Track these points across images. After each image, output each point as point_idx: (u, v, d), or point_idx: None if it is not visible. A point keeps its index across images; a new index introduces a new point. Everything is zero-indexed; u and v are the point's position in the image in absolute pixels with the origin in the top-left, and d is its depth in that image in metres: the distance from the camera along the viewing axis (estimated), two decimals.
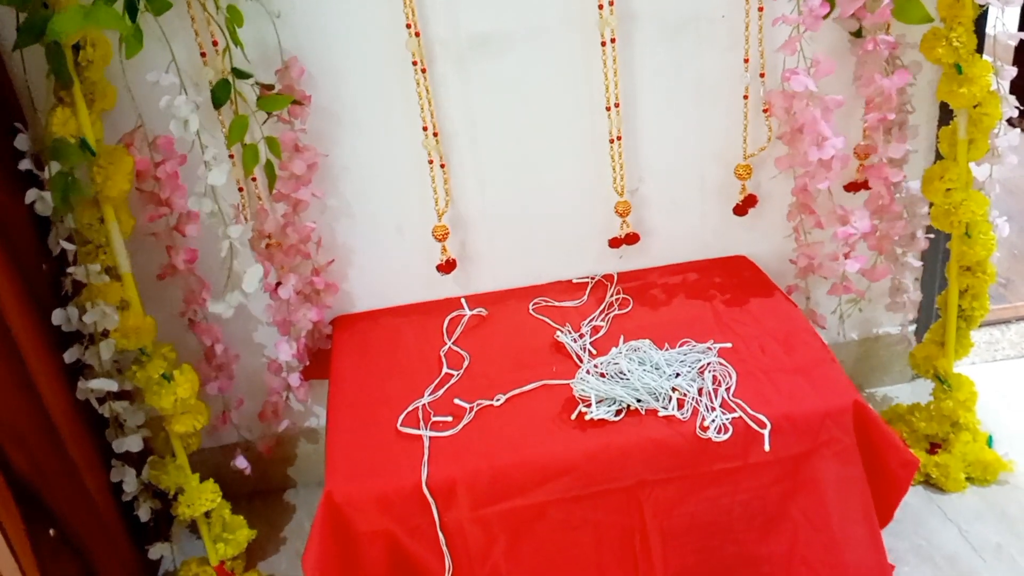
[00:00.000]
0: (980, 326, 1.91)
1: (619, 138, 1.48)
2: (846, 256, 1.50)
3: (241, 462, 1.58)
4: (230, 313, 1.40)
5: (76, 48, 1.24)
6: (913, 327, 1.78)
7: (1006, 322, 1.98)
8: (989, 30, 1.48)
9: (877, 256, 1.57)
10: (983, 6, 1.33)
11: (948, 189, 1.44)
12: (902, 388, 1.83)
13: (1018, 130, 1.45)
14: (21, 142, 1.29)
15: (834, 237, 1.48)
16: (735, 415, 1.24)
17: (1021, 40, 1.49)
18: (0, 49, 1.32)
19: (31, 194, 1.27)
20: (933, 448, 1.59)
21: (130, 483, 1.45)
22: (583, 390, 1.28)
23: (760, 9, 1.42)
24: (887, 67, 1.41)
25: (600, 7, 1.38)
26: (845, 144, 1.41)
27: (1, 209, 1.25)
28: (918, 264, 1.60)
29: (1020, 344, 1.93)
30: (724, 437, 1.22)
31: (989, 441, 1.60)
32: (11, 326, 1.23)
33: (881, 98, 1.40)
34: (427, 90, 1.42)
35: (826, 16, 1.36)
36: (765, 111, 1.50)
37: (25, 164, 1.29)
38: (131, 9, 1.22)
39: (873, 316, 1.77)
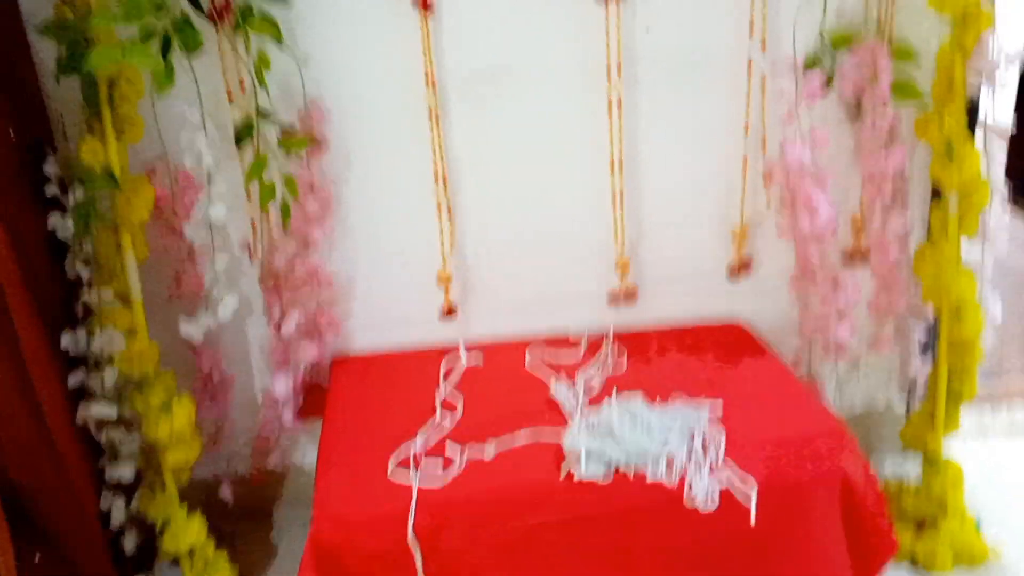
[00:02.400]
0: (972, 405, 1.94)
1: (622, 197, 1.54)
2: (840, 323, 1.53)
3: (226, 492, 1.59)
4: (200, 337, 1.43)
5: (110, 81, 1.31)
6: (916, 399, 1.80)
7: (997, 401, 2.00)
8: (982, 116, 1.55)
9: (880, 326, 1.60)
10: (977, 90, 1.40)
11: (938, 268, 1.48)
12: (907, 460, 1.84)
13: (1009, 212, 1.49)
14: (49, 167, 1.35)
15: (825, 303, 1.51)
16: (723, 482, 1.24)
17: (1018, 125, 1.56)
18: (38, 78, 1.38)
19: (54, 219, 1.33)
20: (921, 528, 1.59)
21: (118, 513, 1.45)
22: (573, 445, 1.29)
23: (763, 79, 1.49)
24: (889, 144, 1.47)
25: (608, 72, 1.45)
26: (836, 216, 1.46)
27: (22, 232, 1.29)
28: (924, 339, 1.63)
29: (1011, 424, 1.95)
30: (711, 507, 1.22)
31: (977, 525, 1.60)
32: (23, 349, 1.26)
33: (877, 174, 1.46)
34: (439, 139, 1.49)
35: (824, 92, 1.43)
36: (765, 179, 1.55)
37: (51, 189, 1.34)
38: (165, 47, 1.29)
39: (877, 387, 1.79)
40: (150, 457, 1.45)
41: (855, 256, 1.58)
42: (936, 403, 1.56)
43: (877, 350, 1.59)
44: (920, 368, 1.60)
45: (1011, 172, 2.79)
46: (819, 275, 1.50)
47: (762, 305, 1.67)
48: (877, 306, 1.55)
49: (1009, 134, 2.79)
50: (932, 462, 1.57)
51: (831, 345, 1.54)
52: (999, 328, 2.18)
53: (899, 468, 1.80)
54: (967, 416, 1.93)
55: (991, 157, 1.44)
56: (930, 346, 1.65)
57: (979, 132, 1.48)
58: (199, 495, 1.56)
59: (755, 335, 1.64)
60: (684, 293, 1.66)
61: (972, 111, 1.45)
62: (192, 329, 1.42)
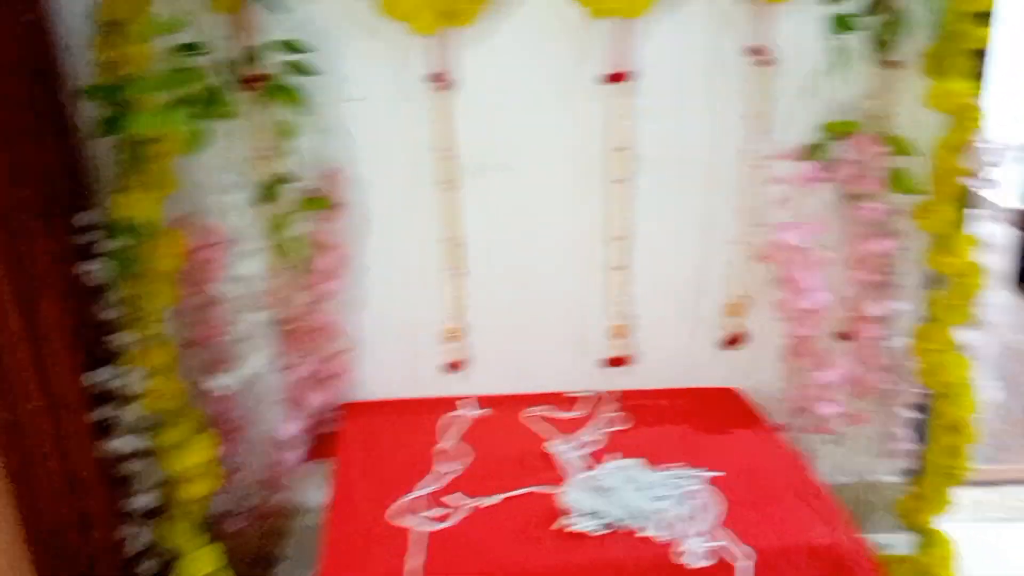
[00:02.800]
0: (970, 485, 1.96)
1: (620, 267, 1.61)
2: (823, 399, 1.58)
3: (233, 526, 1.66)
4: (233, 389, 1.51)
5: (147, 141, 1.41)
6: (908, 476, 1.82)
7: (995, 484, 2.01)
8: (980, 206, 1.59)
9: (859, 403, 1.64)
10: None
11: (933, 350, 1.52)
12: (893, 536, 1.86)
13: (1007, 295, 1.53)
14: (86, 218, 1.45)
15: (812, 380, 1.56)
16: (715, 544, 1.28)
17: None
18: (79, 135, 1.49)
19: (90, 265, 1.43)
20: None
21: (133, 541, 1.53)
22: (568, 501, 1.35)
23: (757, 166, 1.55)
24: (879, 231, 1.52)
25: (611, 150, 1.52)
26: (826, 297, 1.51)
27: (60, 278, 1.39)
28: (907, 415, 1.67)
29: (1007, 507, 1.96)
30: (705, 564, 1.25)
31: None
32: (54, 386, 1.36)
33: (867, 259, 1.51)
34: (450, 205, 1.57)
35: (821, 180, 1.48)
36: (762, 258, 1.60)
37: (88, 238, 1.44)
38: (198, 114, 1.39)
39: (868, 462, 1.82)
40: (170, 489, 1.54)
41: (845, 336, 1.62)
42: (928, 482, 1.59)
43: (854, 424, 1.62)
44: (904, 445, 1.64)
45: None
46: (808, 352, 1.54)
47: (754, 375, 1.72)
48: (857, 384, 1.59)
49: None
50: (924, 537, 1.60)
51: (814, 419, 1.58)
52: (1001, 410, 2.21)
53: (887, 539, 1.82)
54: (966, 496, 1.96)
55: (989, 246, 1.49)
56: (919, 425, 1.69)
57: (978, 221, 1.53)
58: (208, 529, 1.64)
59: (749, 402, 1.68)
60: (679, 360, 1.72)
61: (970, 200, 1.50)
62: (222, 384, 1.51)
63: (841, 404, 1.57)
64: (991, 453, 2.14)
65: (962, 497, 1.95)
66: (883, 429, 1.69)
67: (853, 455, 1.77)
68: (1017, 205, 3.07)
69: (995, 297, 2.87)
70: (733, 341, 1.66)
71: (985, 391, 1.56)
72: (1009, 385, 2.42)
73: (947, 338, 1.50)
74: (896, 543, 1.80)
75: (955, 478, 1.58)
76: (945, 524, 1.64)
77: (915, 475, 1.66)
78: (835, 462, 1.74)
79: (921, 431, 1.73)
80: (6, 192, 1.26)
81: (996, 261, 2.97)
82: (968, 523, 1.89)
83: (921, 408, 1.71)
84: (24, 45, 1.33)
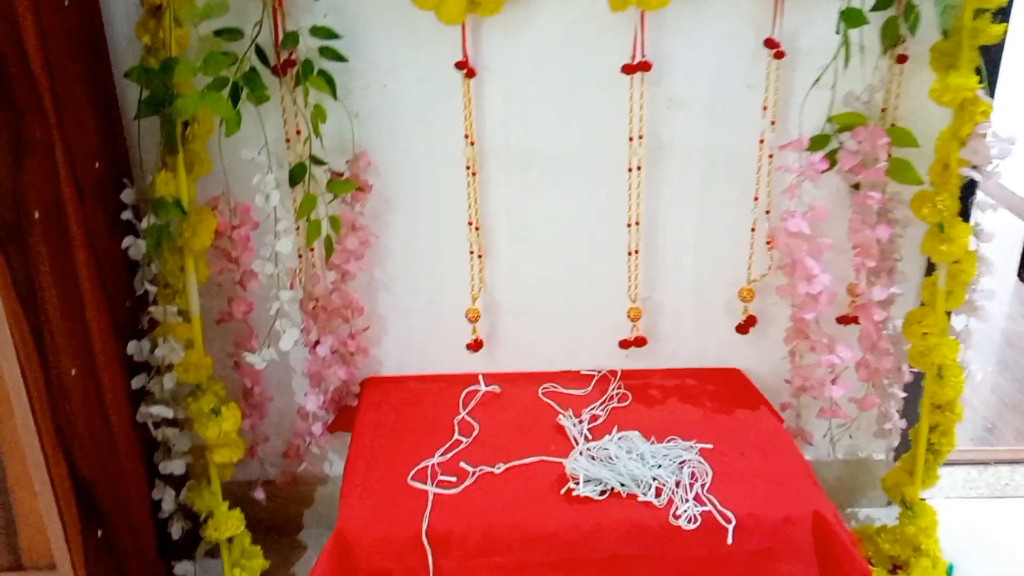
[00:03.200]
0: (960, 464, 2.05)
1: (637, 252, 1.68)
2: (833, 382, 1.66)
3: (259, 493, 1.75)
4: (263, 365, 1.59)
5: (184, 123, 1.48)
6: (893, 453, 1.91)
7: (984, 463, 2.10)
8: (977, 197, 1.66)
9: (868, 386, 1.72)
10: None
11: (925, 333, 1.60)
12: (887, 510, 1.95)
13: (996, 283, 1.61)
14: (127, 196, 1.52)
15: (819, 364, 1.64)
16: (705, 508, 1.39)
17: None
18: (121, 116, 1.56)
19: (128, 240, 1.50)
20: (895, 569, 1.71)
21: (168, 502, 1.62)
22: (573, 469, 1.45)
23: (771, 156, 1.62)
24: (878, 218, 1.60)
25: (631, 139, 1.59)
26: (832, 281, 1.59)
27: (101, 252, 1.46)
28: (902, 395, 1.75)
29: (995, 485, 2.05)
30: (692, 527, 1.37)
31: (949, 570, 1.71)
32: (96, 353, 1.44)
33: (866, 245, 1.58)
34: (475, 190, 1.64)
35: (827, 169, 1.56)
36: (768, 244, 1.68)
37: (127, 215, 1.51)
38: (235, 97, 1.46)
39: (860, 440, 1.91)
40: (199, 455, 1.62)
41: (848, 320, 1.70)
42: (916, 457, 1.68)
43: (864, 409, 1.71)
44: (896, 424, 1.72)
45: None
46: (814, 336, 1.62)
47: (763, 357, 1.79)
48: (864, 368, 1.67)
49: None
50: (909, 507, 1.69)
51: (826, 403, 1.66)
52: (1000, 393, 2.30)
53: (881, 514, 1.92)
54: (955, 475, 2.06)
55: (980, 235, 1.57)
56: (909, 405, 1.77)
57: (974, 211, 1.60)
58: (235, 498, 1.72)
59: (751, 382, 1.77)
60: (692, 342, 1.79)
61: (968, 190, 1.57)
62: (256, 359, 1.59)
63: (849, 387, 1.65)
64: (983, 434, 2.23)
65: (953, 476, 2.06)
66: (879, 409, 1.77)
67: (850, 433, 1.86)
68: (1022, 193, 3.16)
69: (1001, 286, 2.97)
70: (746, 325, 1.74)
71: (976, 373, 1.65)
72: (1008, 371, 2.51)
73: (940, 322, 1.58)
74: (887, 518, 1.90)
75: (940, 454, 1.66)
76: (934, 501, 1.73)
77: (902, 452, 1.74)
78: (832, 440, 1.82)
79: (909, 410, 1.82)
80: (56, 163, 1.33)
81: (1002, 251, 3.07)
82: (954, 499, 1.99)
83: (908, 389, 1.80)
84: (74, 24, 1.39)
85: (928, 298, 1.62)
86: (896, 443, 1.87)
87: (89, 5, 1.46)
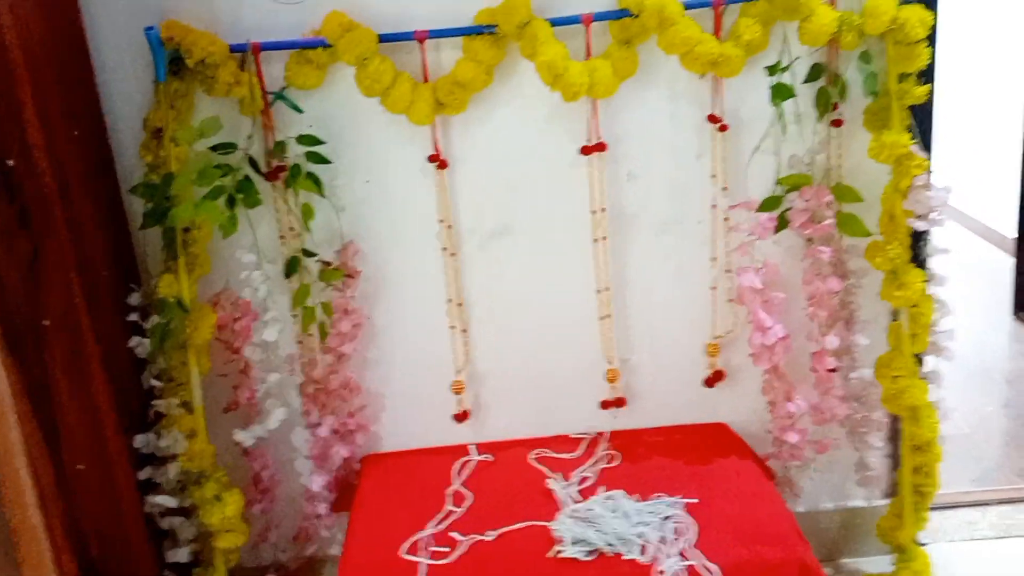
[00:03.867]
0: (961, 507, 2.07)
1: (609, 316, 1.78)
2: (790, 428, 1.72)
3: None
4: (251, 442, 1.69)
5: (186, 229, 1.62)
6: (886, 501, 1.94)
7: (986, 504, 2.11)
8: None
9: (824, 430, 1.77)
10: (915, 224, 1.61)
11: (895, 377, 1.66)
12: (882, 560, 1.96)
13: (953, 322, 1.68)
14: (134, 299, 1.65)
15: (776, 410, 1.70)
16: (690, 563, 1.44)
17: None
18: (129, 226, 1.71)
19: (134, 340, 1.62)
20: None
21: None
22: (560, 531, 1.51)
23: (726, 219, 1.73)
24: (831, 270, 1.69)
25: (593, 212, 1.71)
26: (786, 334, 1.66)
27: (112, 351, 1.59)
28: (879, 444, 1.80)
29: (998, 525, 2.05)
30: None
31: None
32: (107, 449, 1.54)
33: (819, 296, 1.67)
34: (454, 269, 1.76)
35: (778, 229, 1.66)
36: (733, 300, 1.77)
37: (133, 316, 1.64)
38: (230, 203, 1.60)
39: (846, 488, 1.94)
40: (204, 542, 1.70)
41: (812, 369, 1.77)
42: (904, 501, 1.71)
43: (821, 452, 1.76)
44: (879, 471, 1.76)
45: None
46: (778, 385, 1.69)
47: (743, 409, 1.86)
48: (819, 412, 1.73)
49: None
50: (902, 553, 1.71)
51: (785, 448, 1.72)
52: (1002, 432, 2.33)
53: (873, 561, 1.93)
54: (954, 517, 2.07)
55: (935, 280, 1.65)
56: (890, 448, 1.82)
57: (929, 257, 1.69)
58: None
59: (738, 436, 1.83)
60: (671, 399, 1.87)
61: (917, 238, 1.66)
62: (245, 436, 1.68)
63: (805, 432, 1.71)
64: (986, 473, 2.24)
65: (957, 518, 2.07)
66: (858, 456, 1.82)
67: (837, 482, 1.90)
68: (1011, 234, 3.23)
69: (998, 325, 3.01)
70: (714, 379, 1.81)
71: (951, 412, 1.71)
72: (1009, 408, 2.54)
73: (907, 365, 1.64)
74: (883, 566, 1.92)
75: (926, 496, 1.70)
76: (937, 545, 1.75)
77: (892, 497, 1.78)
78: (820, 489, 1.87)
79: (896, 455, 1.86)
80: (69, 273, 1.47)
81: (996, 289, 3.12)
82: (958, 542, 2.00)
83: (894, 433, 1.85)
84: (85, 150, 1.56)
85: (894, 342, 1.69)
86: (880, 490, 1.91)
87: (98, 132, 1.63)
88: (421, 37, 1.59)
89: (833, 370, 1.69)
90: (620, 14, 1.59)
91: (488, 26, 1.57)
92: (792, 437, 1.69)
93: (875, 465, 1.79)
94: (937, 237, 1.65)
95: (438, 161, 1.68)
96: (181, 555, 1.68)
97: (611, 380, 1.81)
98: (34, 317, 1.35)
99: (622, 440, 1.83)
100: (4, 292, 1.26)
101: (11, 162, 1.33)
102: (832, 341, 1.67)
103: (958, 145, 3.90)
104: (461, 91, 1.60)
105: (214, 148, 1.60)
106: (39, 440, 1.34)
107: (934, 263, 1.65)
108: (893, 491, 1.92)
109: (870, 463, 1.78)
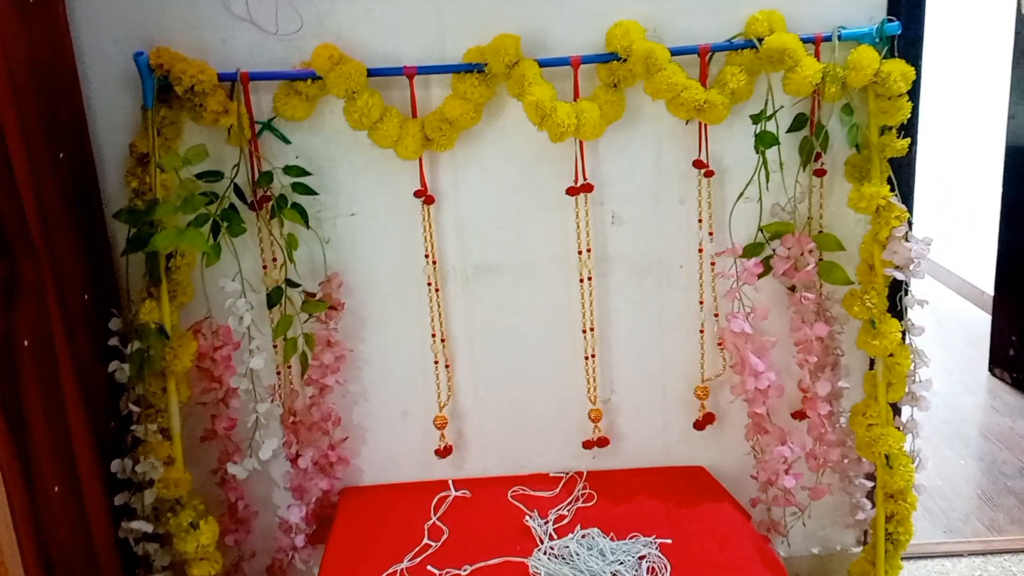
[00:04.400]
0: (934, 557, 2.08)
1: (593, 356, 1.79)
2: (786, 472, 1.72)
3: None
4: (245, 475, 1.68)
5: (169, 255, 1.62)
6: (858, 548, 1.95)
7: (958, 555, 2.12)
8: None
9: (818, 476, 1.79)
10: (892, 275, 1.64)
11: (870, 424, 1.68)
12: None
13: (931, 374, 1.70)
14: (114, 324, 1.65)
15: (771, 455, 1.71)
16: None
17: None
18: (112, 251, 1.71)
19: (113, 365, 1.61)
20: None
21: None
22: (535, 568, 1.51)
23: (712, 264, 1.75)
24: (815, 317, 1.71)
25: (579, 252, 1.73)
26: (778, 376, 1.68)
27: (89, 377, 1.58)
28: (870, 484, 1.80)
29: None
30: None
31: None
32: (80, 472, 1.53)
33: (806, 343, 1.68)
34: (438, 304, 1.76)
35: (762, 275, 1.68)
36: (720, 345, 1.79)
37: (113, 341, 1.64)
38: (215, 231, 1.61)
39: (833, 532, 1.95)
40: (180, 571, 1.68)
41: (801, 416, 1.78)
42: (876, 548, 1.72)
43: (815, 498, 1.76)
44: (868, 514, 1.77)
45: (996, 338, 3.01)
46: (769, 430, 1.70)
47: (727, 453, 1.87)
48: (813, 458, 1.74)
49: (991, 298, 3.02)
50: None
51: (780, 492, 1.72)
52: (975, 485, 2.35)
53: None
54: (926, 567, 2.08)
55: (911, 330, 1.67)
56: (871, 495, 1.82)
57: (907, 307, 1.71)
58: None
59: (715, 479, 1.83)
60: (655, 441, 1.87)
61: (896, 289, 1.68)
62: (239, 470, 1.68)
63: (800, 477, 1.72)
64: (956, 525, 2.26)
65: (926, 569, 2.08)
66: (847, 500, 1.82)
67: (821, 526, 1.91)
68: (988, 290, 3.27)
69: (974, 380, 3.05)
70: (703, 422, 1.82)
71: (926, 462, 1.72)
72: (982, 463, 2.56)
73: (882, 413, 1.66)
74: None
75: (900, 544, 1.71)
76: None
77: (864, 544, 1.79)
78: (804, 533, 1.87)
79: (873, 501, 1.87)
80: (47, 300, 1.46)
81: (972, 345, 3.16)
82: None
83: (872, 479, 1.86)
84: (67, 175, 1.56)
85: (870, 390, 1.71)
86: (858, 535, 1.92)
87: (83, 156, 1.63)
88: (410, 73, 1.60)
89: (826, 415, 1.70)
90: (608, 57, 1.61)
91: (477, 64, 1.59)
92: (788, 482, 1.69)
93: (864, 508, 1.78)
94: (915, 288, 1.67)
95: (425, 196, 1.69)
96: None
97: (594, 420, 1.81)
98: (10, 341, 1.34)
99: (600, 480, 1.83)
100: None
101: None
102: (824, 386, 1.68)
103: (938, 199, 3.97)
104: (449, 128, 1.62)
105: (200, 176, 1.60)
106: (12, 461, 1.32)
107: (912, 314, 1.67)
108: (867, 538, 1.93)
109: (863, 506, 1.78)
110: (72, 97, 1.60)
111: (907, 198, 1.68)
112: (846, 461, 1.78)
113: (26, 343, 1.38)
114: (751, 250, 1.68)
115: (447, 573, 1.55)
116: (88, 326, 1.60)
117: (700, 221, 1.73)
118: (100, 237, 1.67)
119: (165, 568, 1.69)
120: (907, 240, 1.61)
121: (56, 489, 1.45)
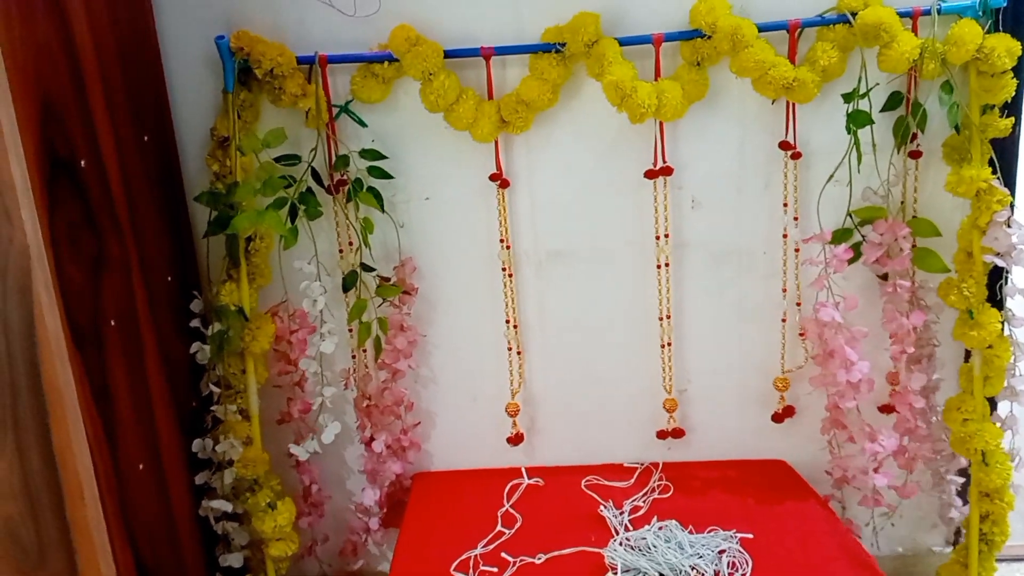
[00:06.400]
0: (1016, 560, 1.98)
1: (669, 344, 1.74)
2: (875, 471, 1.65)
3: None
4: (306, 457, 1.69)
5: (248, 238, 1.64)
6: (948, 548, 1.86)
7: None
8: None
9: (907, 474, 1.71)
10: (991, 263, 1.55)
11: (965, 419, 1.59)
12: None
13: None
14: (195, 305, 1.67)
15: (862, 452, 1.64)
16: None
17: None
18: (192, 234, 1.73)
19: (195, 346, 1.64)
20: None
21: None
22: (612, 559, 1.48)
23: (796, 250, 1.68)
24: (909, 306, 1.63)
25: (657, 237, 1.68)
26: (871, 369, 1.61)
27: (172, 356, 1.61)
28: (961, 480, 1.72)
29: None
30: None
31: None
32: (162, 451, 1.56)
33: (901, 333, 1.61)
34: (511, 290, 1.74)
35: (851, 261, 1.61)
36: (801, 335, 1.72)
37: (195, 323, 1.66)
38: (292, 214, 1.61)
39: (916, 532, 1.87)
40: (257, 550, 1.70)
41: (889, 409, 1.70)
42: (969, 549, 1.64)
43: (905, 497, 1.69)
44: (959, 513, 1.68)
45: None
46: (855, 425, 1.62)
47: (800, 448, 1.80)
48: (903, 455, 1.66)
49: None
50: None
51: (868, 492, 1.65)
52: None
53: None
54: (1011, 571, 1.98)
55: (1012, 320, 1.58)
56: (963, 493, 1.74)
57: (1007, 296, 1.61)
58: None
59: (798, 473, 1.77)
60: (731, 432, 1.82)
61: (996, 277, 1.59)
62: (300, 451, 1.69)
63: (891, 475, 1.64)
64: None
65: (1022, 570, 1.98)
66: (937, 498, 1.74)
67: (906, 525, 1.83)
68: None
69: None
70: (783, 414, 1.76)
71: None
72: None
73: (979, 408, 1.57)
74: None
75: (995, 545, 1.62)
76: None
77: (955, 544, 1.70)
78: (888, 532, 1.79)
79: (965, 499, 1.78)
80: (131, 278, 1.49)
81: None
82: None
83: (966, 476, 1.77)
84: (152, 156, 1.58)
85: (966, 384, 1.62)
86: (948, 535, 1.84)
87: (166, 139, 1.65)
88: (487, 54, 1.58)
89: (920, 410, 1.63)
90: (692, 34, 1.56)
91: (555, 44, 1.56)
92: (879, 481, 1.62)
93: (954, 507, 1.70)
94: (1017, 276, 1.58)
95: (500, 180, 1.67)
96: (234, 560, 1.70)
97: (669, 410, 1.77)
98: (96, 317, 1.37)
99: (676, 471, 1.79)
100: (69, 290, 1.28)
101: (83, 163, 1.35)
102: (919, 379, 1.60)
103: None
104: (525, 109, 1.59)
105: (278, 159, 1.61)
106: (99, 436, 1.35)
107: (1013, 304, 1.58)
108: (957, 538, 1.85)
109: (956, 505, 1.70)
110: (156, 80, 1.63)
111: (1009, 181, 1.58)
112: (938, 458, 1.70)
113: (113, 322, 1.41)
114: (840, 236, 1.61)
115: (521, 561, 1.53)
116: (170, 306, 1.62)
117: (785, 205, 1.66)
118: (182, 219, 1.70)
119: (244, 547, 1.71)
120: (1009, 226, 1.53)
121: (140, 467, 1.47)
